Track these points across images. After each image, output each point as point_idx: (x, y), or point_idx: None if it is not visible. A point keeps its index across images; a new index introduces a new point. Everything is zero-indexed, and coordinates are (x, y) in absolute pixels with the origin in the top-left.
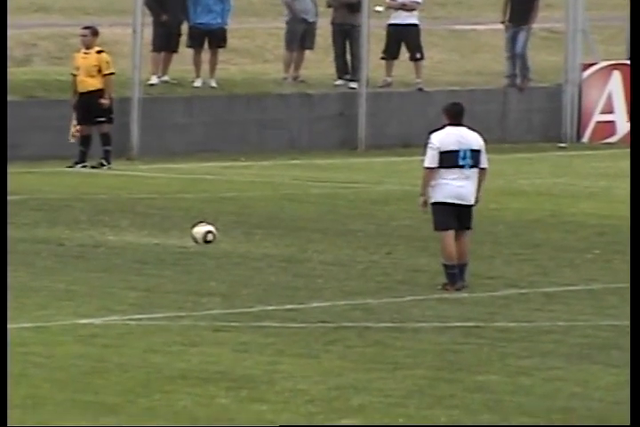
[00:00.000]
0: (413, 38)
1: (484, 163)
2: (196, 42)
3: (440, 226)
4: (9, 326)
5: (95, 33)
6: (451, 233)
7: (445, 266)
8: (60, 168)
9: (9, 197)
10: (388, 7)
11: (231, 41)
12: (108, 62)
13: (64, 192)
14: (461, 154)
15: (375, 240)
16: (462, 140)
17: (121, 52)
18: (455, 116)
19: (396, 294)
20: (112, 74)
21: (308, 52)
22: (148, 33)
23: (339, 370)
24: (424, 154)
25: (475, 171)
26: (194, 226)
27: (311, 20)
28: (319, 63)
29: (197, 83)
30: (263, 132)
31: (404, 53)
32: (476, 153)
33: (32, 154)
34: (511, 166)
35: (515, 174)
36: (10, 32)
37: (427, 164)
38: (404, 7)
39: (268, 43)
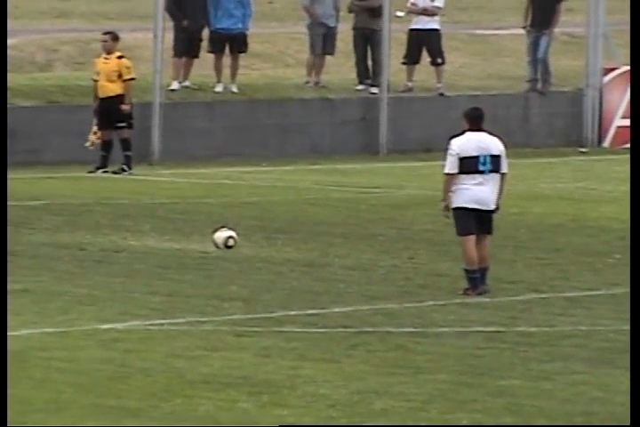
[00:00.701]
0: (434, 43)
1: (504, 168)
2: (216, 47)
3: (462, 231)
4: (30, 331)
5: (116, 38)
6: (472, 238)
7: (467, 271)
8: (82, 173)
9: (30, 203)
10: (409, 12)
11: (252, 46)
12: (128, 68)
13: (85, 197)
14: (481, 159)
15: (397, 245)
16: (482, 146)
17: (142, 57)
18: (475, 121)
19: (418, 299)
20: (132, 79)
21: (329, 57)
22: (169, 38)
23: (360, 374)
24: (445, 159)
25: (495, 176)
26: (215, 231)
27: (331, 24)
28: (340, 68)
29: (218, 88)
30: (284, 136)
31: (426, 58)
32: (495, 158)
33: (53, 159)
34: (533, 171)
35: (536, 179)
36: (31, 37)
37: (447, 170)
38: (425, 12)
39: (290, 47)
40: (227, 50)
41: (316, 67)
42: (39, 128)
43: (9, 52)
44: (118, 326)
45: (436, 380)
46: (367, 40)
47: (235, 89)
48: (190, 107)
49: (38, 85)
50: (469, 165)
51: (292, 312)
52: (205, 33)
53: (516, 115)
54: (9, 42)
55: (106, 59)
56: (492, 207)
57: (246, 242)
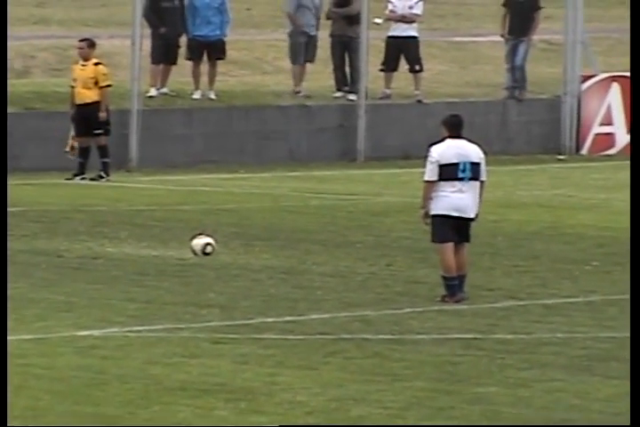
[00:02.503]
0: (413, 50)
1: (483, 176)
2: (194, 54)
3: (438, 238)
4: (8, 337)
5: (92, 45)
6: (450, 245)
7: (444, 278)
8: (59, 180)
9: (8, 210)
10: (388, 19)
11: (230, 53)
12: (104, 74)
13: (63, 204)
14: (461, 167)
15: (374, 252)
16: (462, 153)
17: (120, 63)
18: (454, 128)
19: (396, 306)
20: (109, 86)
21: (307, 64)
22: (147, 45)
23: (338, 382)
24: (424, 166)
25: (475, 184)
26: (193, 238)
27: (312, 33)
28: (318, 75)
29: (196, 95)
30: (262, 143)
31: (404, 65)
32: (475, 166)
33: (31, 166)
34: (511, 178)
35: (514, 186)
36: (9, 44)
37: (426, 177)
38: (403, 19)
39: (268, 54)
40: (205, 57)
41: (297, 75)
42: (17, 135)
43: None
44: (96, 332)
45: (413, 387)
46: (345, 47)
47: (213, 96)
48: (168, 114)
49: (16, 92)
50: (449, 173)
51: (270, 319)
52: (183, 40)
53: (494, 122)
54: None
55: (83, 65)
56: (472, 215)
57: (224, 249)
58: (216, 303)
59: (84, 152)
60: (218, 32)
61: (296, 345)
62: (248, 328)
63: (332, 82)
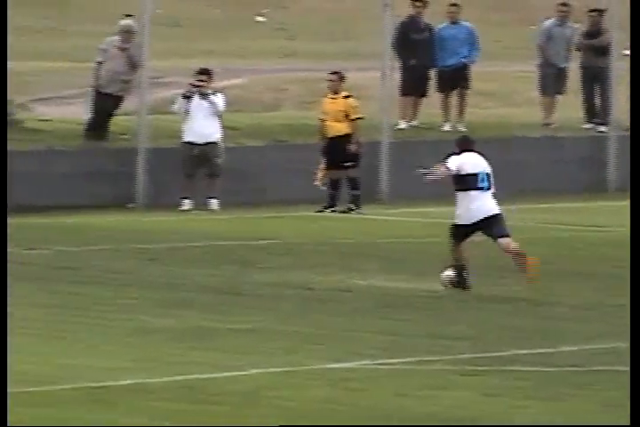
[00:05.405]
0: None
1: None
2: (444, 85)
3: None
4: (258, 370)
5: (342, 78)
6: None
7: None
8: (308, 212)
9: (256, 242)
10: None
11: (479, 84)
12: (355, 107)
13: (313, 236)
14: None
15: (620, 283)
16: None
17: (369, 96)
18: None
19: None
20: (360, 119)
21: (557, 96)
22: (397, 77)
23: (584, 414)
24: None
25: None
26: (444, 270)
27: (562, 64)
28: (568, 106)
29: (446, 127)
30: (510, 174)
31: None
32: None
33: (279, 198)
34: None
35: None
36: (258, 77)
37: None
38: None
39: (517, 86)
40: (454, 88)
41: (547, 107)
42: (265, 167)
43: (236, 91)
44: (345, 365)
45: None
46: (595, 78)
47: (462, 128)
48: (418, 145)
49: (266, 125)
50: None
51: (519, 351)
52: (432, 71)
53: None
54: (236, 81)
55: (333, 98)
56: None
57: (476, 280)
58: (464, 335)
59: (334, 184)
60: (466, 63)
61: (546, 377)
62: (499, 360)
63: (581, 113)
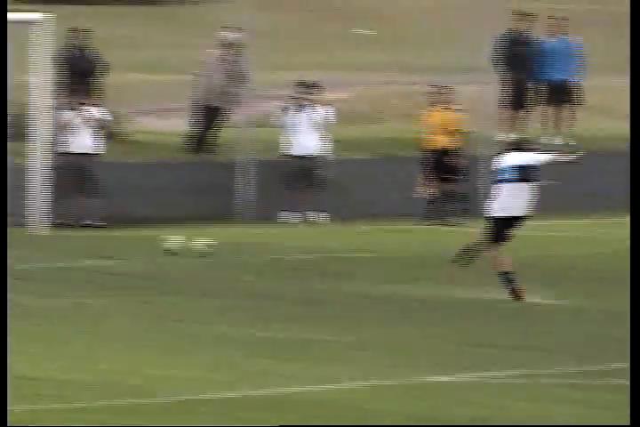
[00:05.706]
0: None
1: None
2: (548, 99)
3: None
4: (361, 383)
5: (449, 91)
6: None
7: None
8: (411, 226)
9: (357, 255)
10: None
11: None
12: (461, 121)
13: (420, 249)
14: None
15: None
16: None
17: (472, 109)
18: None
19: None
20: (466, 133)
21: None
22: (497, 90)
23: None
24: None
25: None
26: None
27: None
28: None
29: (544, 139)
30: None
31: None
32: None
33: (383, 211)
34: None
35: None
36: (363, 89)
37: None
38: None
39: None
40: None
41: None
42: (370, 180)
43: (340, 105)
44: (449, 378)
45: None
46: None
47: (571, 141)
48: None
49: (371, 137)
50: None
51: (623, 364)
52: (535, 85)
53: None
54: (341, 95)
55: (439, 111)
56: None
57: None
58: (564, 348)
59: (441, 197)
60: (567, 77)
61: None
62: (605, 374)
63: None
